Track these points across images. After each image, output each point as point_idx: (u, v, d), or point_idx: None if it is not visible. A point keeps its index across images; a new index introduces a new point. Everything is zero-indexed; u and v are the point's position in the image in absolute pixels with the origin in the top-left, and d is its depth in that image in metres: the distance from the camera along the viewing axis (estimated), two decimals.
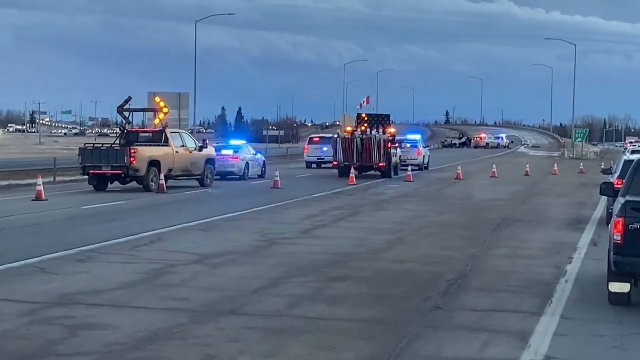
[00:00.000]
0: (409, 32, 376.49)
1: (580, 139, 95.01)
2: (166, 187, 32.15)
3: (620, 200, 12.46)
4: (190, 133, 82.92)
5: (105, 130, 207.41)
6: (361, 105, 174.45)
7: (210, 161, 34.56)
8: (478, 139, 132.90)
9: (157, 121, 33.69)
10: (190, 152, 33.52)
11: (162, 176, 31.16)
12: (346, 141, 43.00)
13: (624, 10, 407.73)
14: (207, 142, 35.15)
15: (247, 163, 40.19)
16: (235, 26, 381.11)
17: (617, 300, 12.20)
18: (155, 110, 34.28)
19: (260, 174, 41.42)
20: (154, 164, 31.28)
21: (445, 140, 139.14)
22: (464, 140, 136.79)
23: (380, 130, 43.99)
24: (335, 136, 44.40)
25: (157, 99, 34.18)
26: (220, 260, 15.56)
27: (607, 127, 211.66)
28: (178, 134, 33.92)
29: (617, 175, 23.45)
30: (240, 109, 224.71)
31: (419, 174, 48.14)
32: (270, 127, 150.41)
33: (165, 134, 32.56)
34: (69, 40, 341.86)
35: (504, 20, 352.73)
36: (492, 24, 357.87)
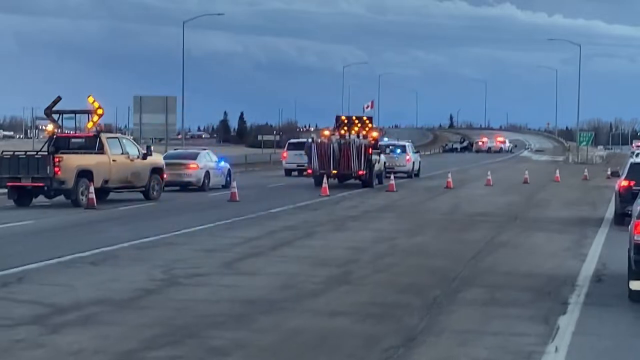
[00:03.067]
0: (413, 36, 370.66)
1: (585, 143, 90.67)
2: (101, 200, 27.86)
3: None
4: (178, 137, 78.58)
5: None
6: (365, 109, 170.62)
7: (156, 170, 30.09)
8: (480, 143, 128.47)
9: (89, 124, 29.27)
10: (132, 160, 29.07)
11: (91, 189, 26.67)
12: (322, 146, 38.50)
13: (625, 14, 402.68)
14: (152, 148, 30.67)
15: (207, 172, 35.70)
16: (238, 31, 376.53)
17: (637, 297, 12.56)
18: (89, 112, 29.87)
19: (224, 183, 36.97)
20: (84, 174, 26.80)
21: (446, 145, 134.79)
22: (465, 144, 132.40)
23: (361, 134, 39.53)
24: (310, 140, 39.80)
25: (91, 99, 29.76)
26: (73, 315, 11.16)
27: (613, 130, 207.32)
28: (116, 139, 29.43)
29: (623, 177, 24.31)
30: (242, 114, 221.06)
31: (405, 183, 43.72)
32: (275, 133, 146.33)
33: (100, 139, 28.12)
34: (72, 45, 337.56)
35: (506, 24, 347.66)
36: (495, 27, 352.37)
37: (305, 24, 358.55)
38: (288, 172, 49.09)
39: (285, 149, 50.91)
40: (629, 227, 13.36)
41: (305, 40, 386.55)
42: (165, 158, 35.65)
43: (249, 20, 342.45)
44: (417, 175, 50.14)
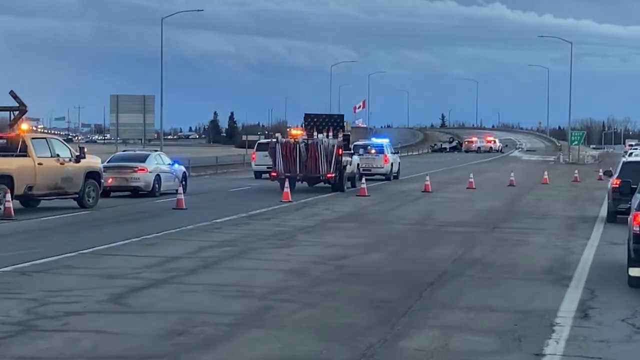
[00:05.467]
0: (404, 36, 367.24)
1: (576, 142, 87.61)
2: (29, 209, 24.73)
3: (638, 197, 14.13)
4: (156, 138, 75.45)
5: (97, 137, 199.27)
6: (356, 109, 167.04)
7: (92, 175, 26.73)
8: (469, 143, 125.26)
9: (23, 126, 25.85)
10: (62, 164, 25.74)
11: (8, 196, 23.36)
12: (287, 147, 35.17)
13: (615, 13, 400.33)
14: (85, 150, 27.31)
15: (158, 175, 32.32)
16: (229, 32, 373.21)
17: (637, 283, 13.66)
18: (11, 109, 26.53)
19: (178, 188, 33.57)
20: (2, 180, 23.51)
21: (435, 145, 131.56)
22: (454, 144, 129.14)
23: (331, 134, 36.25)
24: (274, 140, 36.43)
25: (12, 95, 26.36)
26: None
27: (606, 129, 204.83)
28: (44, 140, 26.05)
29: (615, 176, 24.61)
30: (232, 114, 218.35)
31: (380, 186, 40.53)
32: (266, 133, 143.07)
33: (24, 140, 24.78)
34: (63, 46, 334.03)
35: (497, 24, 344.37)
36: (485, 27, 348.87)
37: (295, 24, 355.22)
38: (258, 174, 45.72)
39: (255, 149, 47.49)
40: (629, 218, 14.20)
41: (296, 41, 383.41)
42: (110, 161, 32.66)
43: (239, 21, 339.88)
44: (396, 177, 46.93)
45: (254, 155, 47.05)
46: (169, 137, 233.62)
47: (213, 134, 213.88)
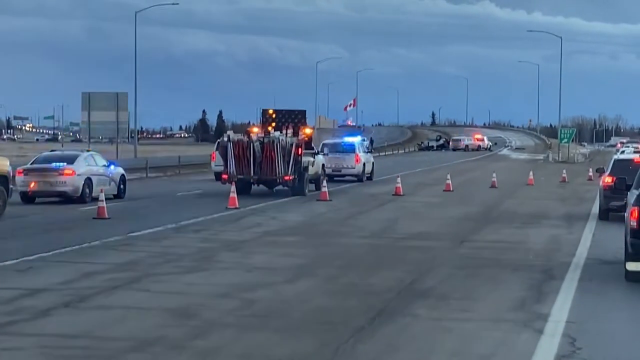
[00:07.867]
0: (394, 34, 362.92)
1: (566, 140, 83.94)
2: None
3: (635, 192, 14.32)
4: (156, 136, 71.78)
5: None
6: (347, 107, 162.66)
7: None
8: (457, 141, 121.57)
9: None
10: None
11: None
12: (239, 146, 31.33)
13: (604, 11, 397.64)
14: None
15: (89, 179, 28.35)
16: (220, 30, 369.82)
17: (633, 277, 13.69)
18: None
19: (115, 192, 29.71)
20: None
21: (422, 143, 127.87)
22: (441, 142, 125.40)
23: (290, 131, 32.45)
24: (225, 139, 32.56)
25: None
26: None
27: (597, 127, 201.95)
28: None
29: (607, 173, 24.77)
30: (220, 112, 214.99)
31: (348, 189, 36.76)
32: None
33: None
34: (51, 44, 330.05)
35: (486, 22, 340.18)
36: (475, 25, 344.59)
37: (285, 22, 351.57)
38: (218, 175, 41.76)
39: (215, 149, 43.52)
40: (625, 214, 14.46)
41: (286, 39, 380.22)
42: (34, 162, 29.00)
43: (229, 19, 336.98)
44: (369, 178, 43.16)
45: (213, 155, 43.17)
46: (156, 135, 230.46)
47: (201, 132, 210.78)
